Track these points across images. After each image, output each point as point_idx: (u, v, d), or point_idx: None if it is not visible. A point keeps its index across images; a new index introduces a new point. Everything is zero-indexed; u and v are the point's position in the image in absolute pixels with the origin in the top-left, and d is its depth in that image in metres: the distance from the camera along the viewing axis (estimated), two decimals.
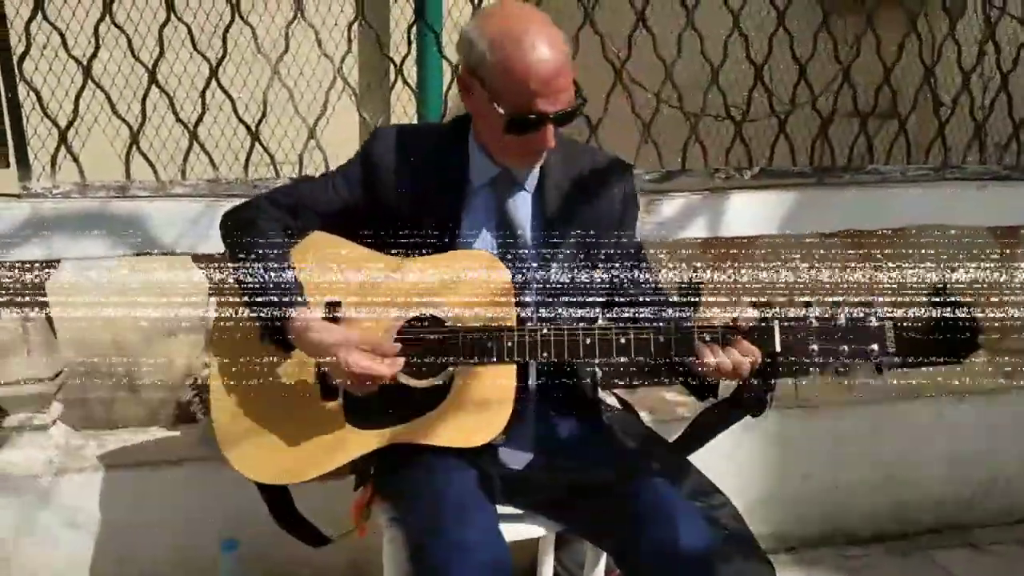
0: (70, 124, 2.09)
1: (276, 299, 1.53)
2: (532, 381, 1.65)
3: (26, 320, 2.11)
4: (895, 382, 2.64)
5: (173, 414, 4.32)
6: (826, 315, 1.50)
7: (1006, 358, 2.77)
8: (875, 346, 1.49)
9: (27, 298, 2.11)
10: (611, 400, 2.01)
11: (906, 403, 2.62)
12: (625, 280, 1.72)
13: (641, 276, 1.74)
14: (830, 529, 2.61)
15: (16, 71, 2.02)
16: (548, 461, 1.65)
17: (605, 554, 1.71)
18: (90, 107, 2.09)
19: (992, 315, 2.83)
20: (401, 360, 1.54)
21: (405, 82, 2.35)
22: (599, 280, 1.70)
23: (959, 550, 2.60)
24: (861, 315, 1.50)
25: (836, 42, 2.45)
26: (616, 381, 2.11)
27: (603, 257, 1.69)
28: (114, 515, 2.15)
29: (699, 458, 1.75)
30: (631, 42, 2.33)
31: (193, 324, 4.09)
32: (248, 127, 2.20)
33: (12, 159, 2.07)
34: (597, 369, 1.81)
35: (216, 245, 2.03)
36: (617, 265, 1.71)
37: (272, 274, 1.55)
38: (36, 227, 2.01)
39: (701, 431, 1.70)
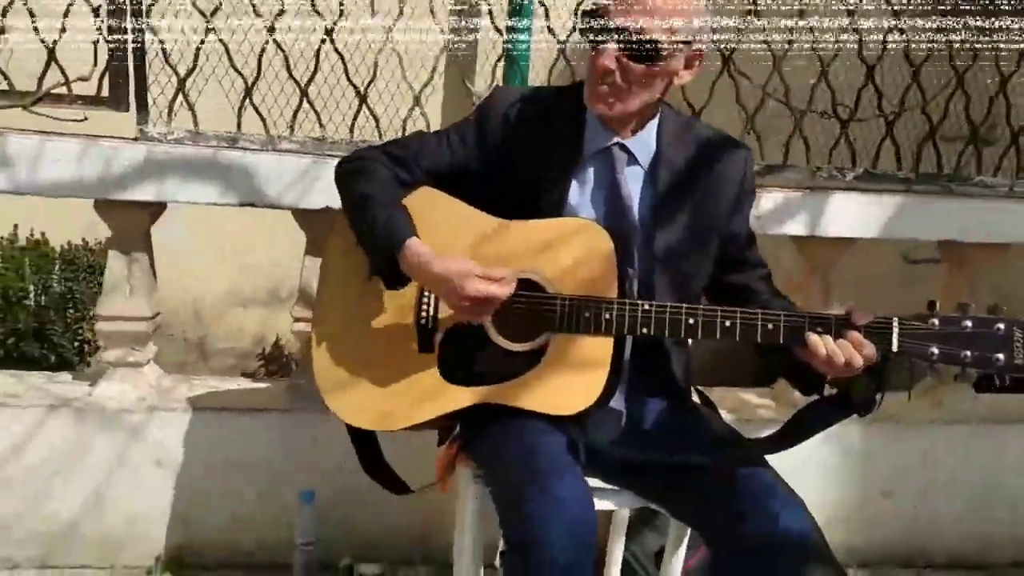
0: (189, 73, 2.15)
1: (389, 232, 1.54)
2: (627, 356, 1.62)
3: (131, 260, 2.17)
4: (988, 404, 2.54)
5: None
6: (951, 318, 1.42)
7: None
8: (1001, 355, 1.40)
9: (135, 239, 2.18)
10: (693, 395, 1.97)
11: (998, 427, 2.52)
12: (733, 266, 1.69)
13: (751, 263, 1.70)
14: (907, 550, 2.52)
15: (144, 18, 2.09)
16: (638, 437, 1.62)
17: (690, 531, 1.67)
18: (209, 59, 2.16)
19: None
20: (514, 283, 1.52)
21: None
22: (706, 262, 1.67)
23: None
24: (989, 320, 1.41)
25: (952, 46, 2.38)
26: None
27: (713, 239, 1.65)
28: (198, 456, 2.19)
29: (777, 463, 1.67)
30: (740, 33, 2.30)
31: (265, 296, 4.20)
32: (357, 89, 2.24)
33: (132, 103, 2.15)
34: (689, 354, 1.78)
35: (317, 201, 2.09)
36: (727, 249, 1.67)
37: (384, 211, 1.56)
38: (149, 170, 2.07)
39: (801, 427, 1.60)
